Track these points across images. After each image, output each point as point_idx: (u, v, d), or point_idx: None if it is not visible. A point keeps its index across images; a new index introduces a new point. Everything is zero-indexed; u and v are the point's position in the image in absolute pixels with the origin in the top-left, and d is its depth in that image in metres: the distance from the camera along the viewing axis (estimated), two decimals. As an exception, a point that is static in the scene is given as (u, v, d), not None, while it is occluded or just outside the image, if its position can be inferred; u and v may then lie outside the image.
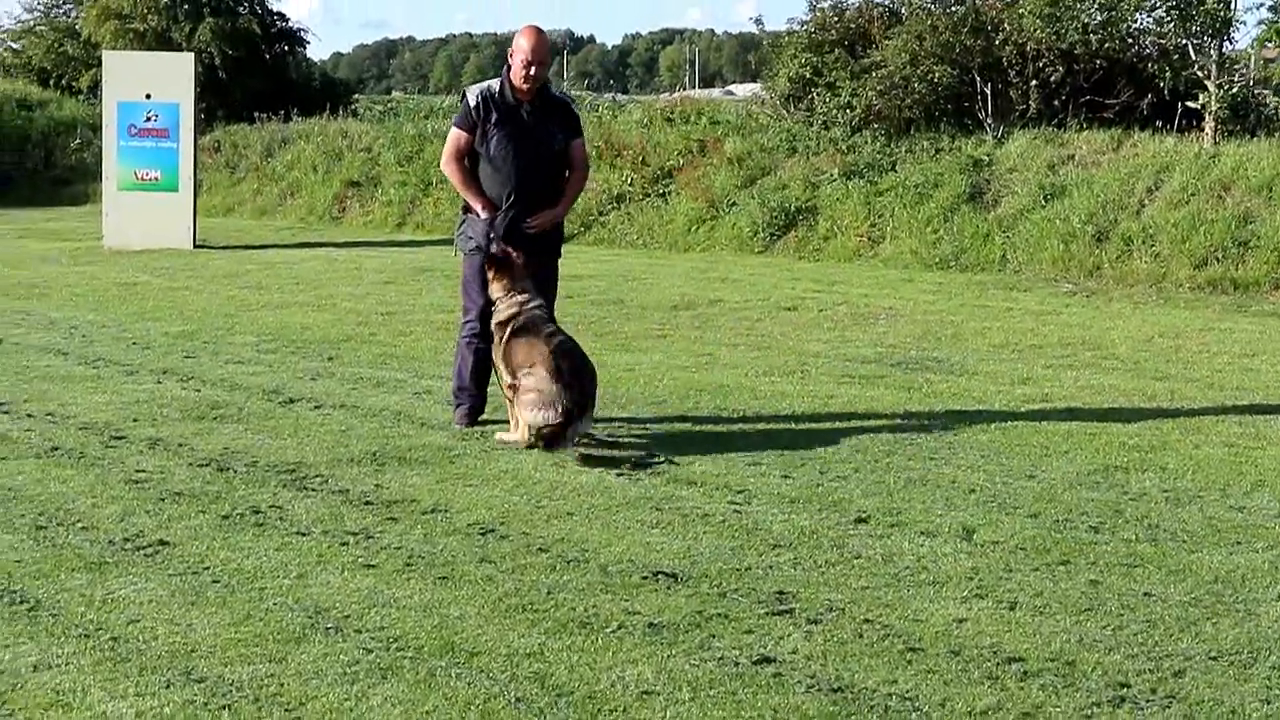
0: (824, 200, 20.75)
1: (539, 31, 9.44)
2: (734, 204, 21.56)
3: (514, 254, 9.22)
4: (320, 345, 12.83)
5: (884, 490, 7.92)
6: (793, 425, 9.60)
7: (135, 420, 9.62)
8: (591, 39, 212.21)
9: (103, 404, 10.17)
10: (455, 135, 9.49)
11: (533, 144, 9.33)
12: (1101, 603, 6.14)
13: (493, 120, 9.32)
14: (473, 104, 9.38)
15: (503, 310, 9.16)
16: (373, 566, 6.55)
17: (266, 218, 28.05)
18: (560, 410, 8.66)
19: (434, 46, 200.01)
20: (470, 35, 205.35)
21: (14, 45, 39.39)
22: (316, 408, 10.10)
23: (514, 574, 6.46)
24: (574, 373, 8.82)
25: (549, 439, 8.65)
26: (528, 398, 8.84)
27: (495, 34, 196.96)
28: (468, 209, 9.50)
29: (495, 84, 9.41)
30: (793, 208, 20.86)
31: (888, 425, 9.59)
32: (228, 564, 6.58)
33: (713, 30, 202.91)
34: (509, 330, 9.04)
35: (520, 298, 9.13)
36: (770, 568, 6.58)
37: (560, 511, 7.48)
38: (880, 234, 19.74)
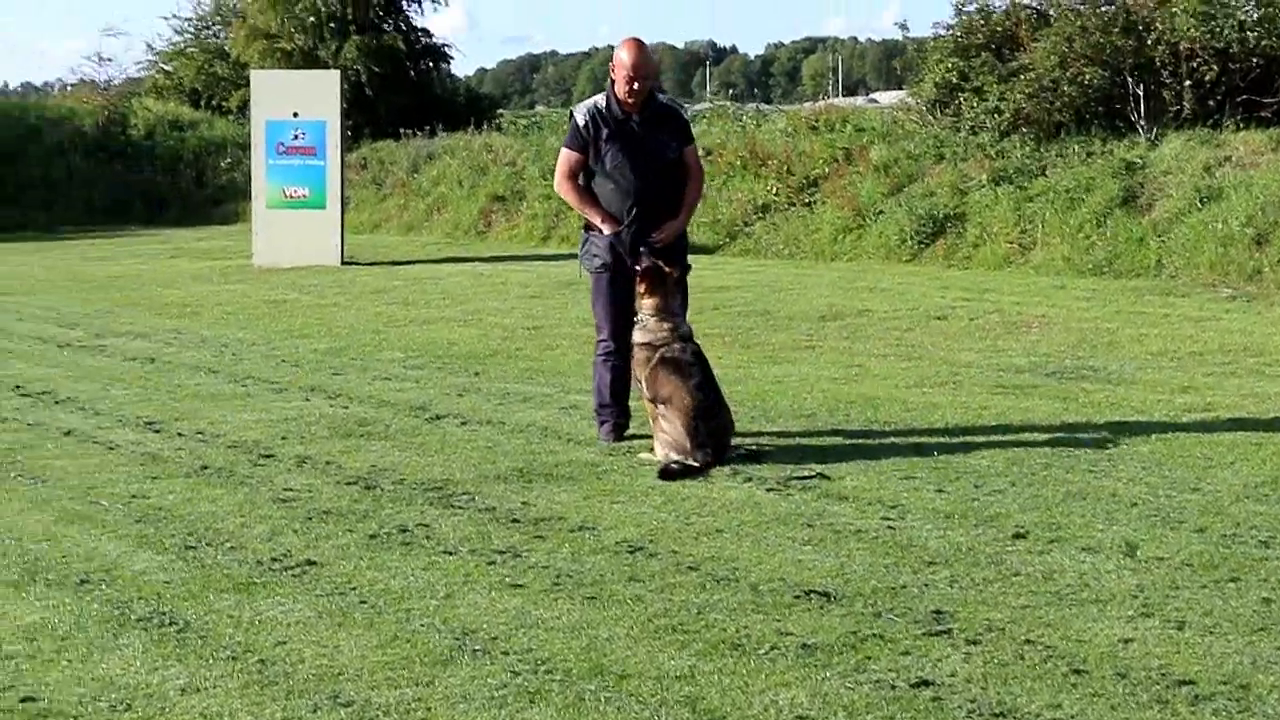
0: (972, 207, 20.43)
1: (639, 45, 9.37)
2: (880, 212, 21.31)
3: (668, 269, 9.13)
4: (466, 360, 12.83)
5: (1042, 504, 7.70)
6: (946, 438, 9.40)
7: (284, 438, 9.65)
8: (734, 49, 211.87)
9: (252, 422, 10.22)
10: (566, 155, 9.43)
11: (646, 155, 9.28)
12: (1275, 621, 5.89)
13: (604, 136, 9.26)
14: (581, 123, 9.32)
15: (652, 332, 9.06)
16: (520, 586, 6.47)
17: (413, 233, 28.25)
18: (692, 462, 8.57)
19: (577, 60, 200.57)
20: (613, 48, 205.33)
21: (166, 67, 40.11)
22: (463, 423, 10.07)
23: (663, 593, 6.35)
24: (711, 434, 8.73)
25: (677, 475, 8.52)
26: (663, 436, 8.78)
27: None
28: (589, 227, 9.44)
29: (601, 99, 9.37)
30: (941, 215, 20.56)
31: (1044, 437, 9.35)
32: (374, 584, 6.54)
33: (855, 38, 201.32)
34: (658, 357, 8.94)
35: (668, 327, 9.03)
36: (926, 586, 6.41)
37: (709, 528, 7.35)
38: (1031, 240, 19.38)
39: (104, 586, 6.56)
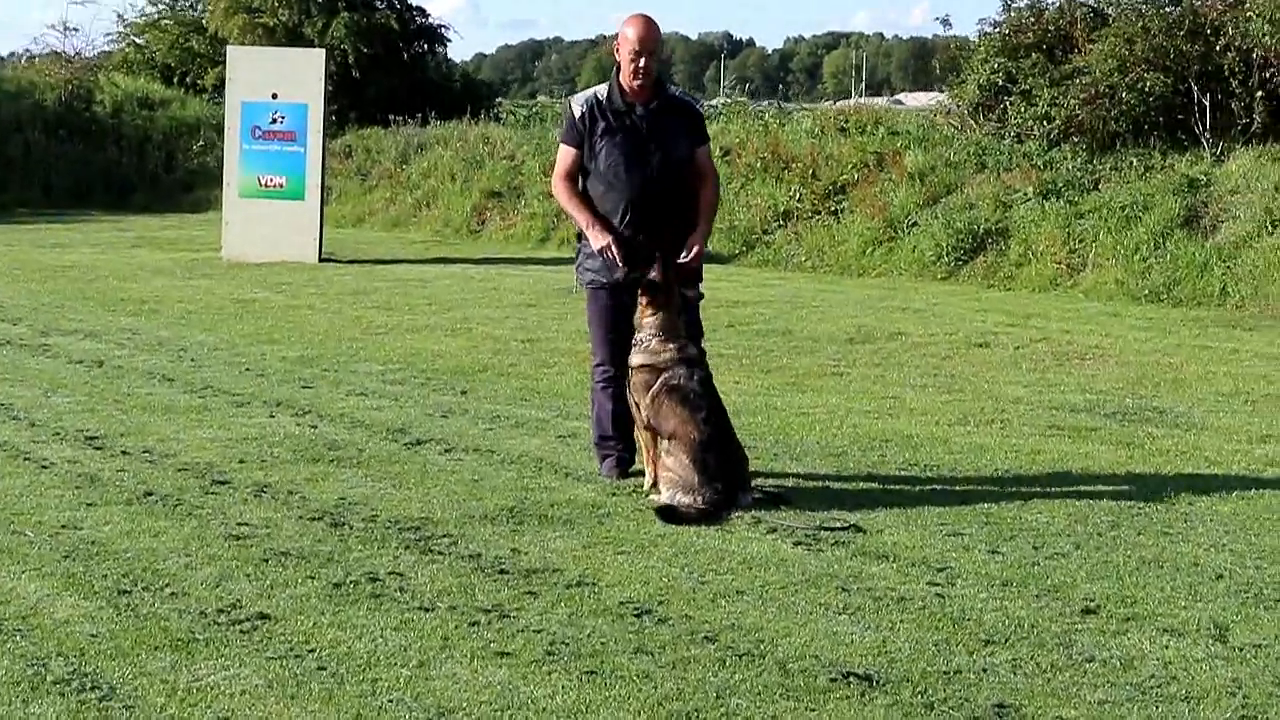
0: (1016, 222, 19.89)
1: (646, 19, 8.68)
2: (915, 224, 20.78)
3: (686, 289, 8.62)
4: (453, 376, 12.28)
5: (1112, 573, 7.15)
6: (995, 486, 8.85)
7: (242, 461, 9.10)
8: (750, 42, 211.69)
9: (207, 441, 9.67)
10: (564, 153, 8.82)
11: (649, 152, 8.63)
12: (1401, 732, 5.34)
13: (599, 130, 8.61)
14: (578, 114, 8.68)
15: (655, 354, 8.51)
16: (507, 655, 5.91)
17: (399, 229, 27.74)
18: (701, 501, 8.03)
19: (583, 48, 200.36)
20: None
21: (137, 40, 39.58)
22: (446, 451, 9.52)
23: (676, 669, 5.79)
24: (722, 468, 8.18)
25: (686, 520, 7.97)
26: (667, 475, 8.25)
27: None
28: (581, 235, 8.85)
29: (603, 89, 8.71)
30: (981, 230, 20.03)
31: (1107, 489, 8.80)
32: (336, 646, 5.98)
33: (881, 35, 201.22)
34: (662, 384, 8.38)
35: (673, 348, 8.49)
36: (984, 671, 5.85)
37: (729, 589, 6.79)
38: (1080, 261, 18.84)
39: (18, 638, 6.00)
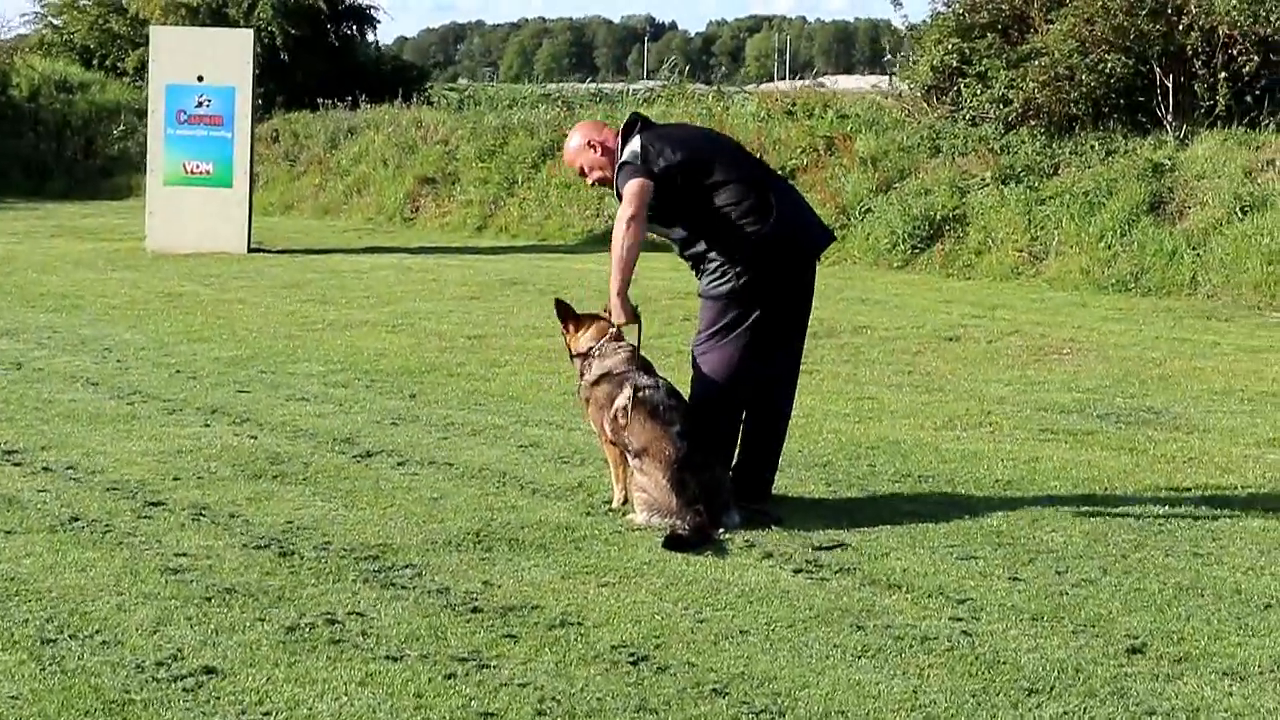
0: (975, 208, 19.25)
1: (571, 135, 8.23)
2: (869, 210, 20.11)
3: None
4: (399, 378, 11.51)
5: (1150, 603, 6.47)
6: (998, 499, 8.17)
7: (176, 479, 8.30)
8: (673, 25, 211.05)
9: (137, 454, 8.86)
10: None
11: None
12: None
13: None
14: None
15: (608, 358, 7.85)
16: (492, 716, 5.17)
17: (330, 217, 26.90)
18: (682, 526, 7.32)
19: (505, 32, 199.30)
20: (544, 20, 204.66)
21: (55, 21, 38.41)
22: (400, 464, 8.75)
23: (685, 732, 5.07)
24: (704, 489, 7.47)
25: (687, 546, 7.25)
26: (642, 496, 7.56)
27: (570, 19, 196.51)
28: None
29: None
30: (938, 216, 19.38)
31: (1121, 502, 8.14)
32: (294, 706, 5.22)
33: (804, 18, 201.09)
34: (627, 398, 7.67)
35: (625, 354, 7.82)
36: (1035, 728, 5.16)
37: (731, 629, 6.07)
38: (1043, 249, 18.21)
39: (-75, 702, 5.22)
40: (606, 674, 5.57)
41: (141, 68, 32.85)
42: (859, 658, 5.78)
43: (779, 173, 8.17)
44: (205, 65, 21.00)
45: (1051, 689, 5.49)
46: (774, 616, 6.22)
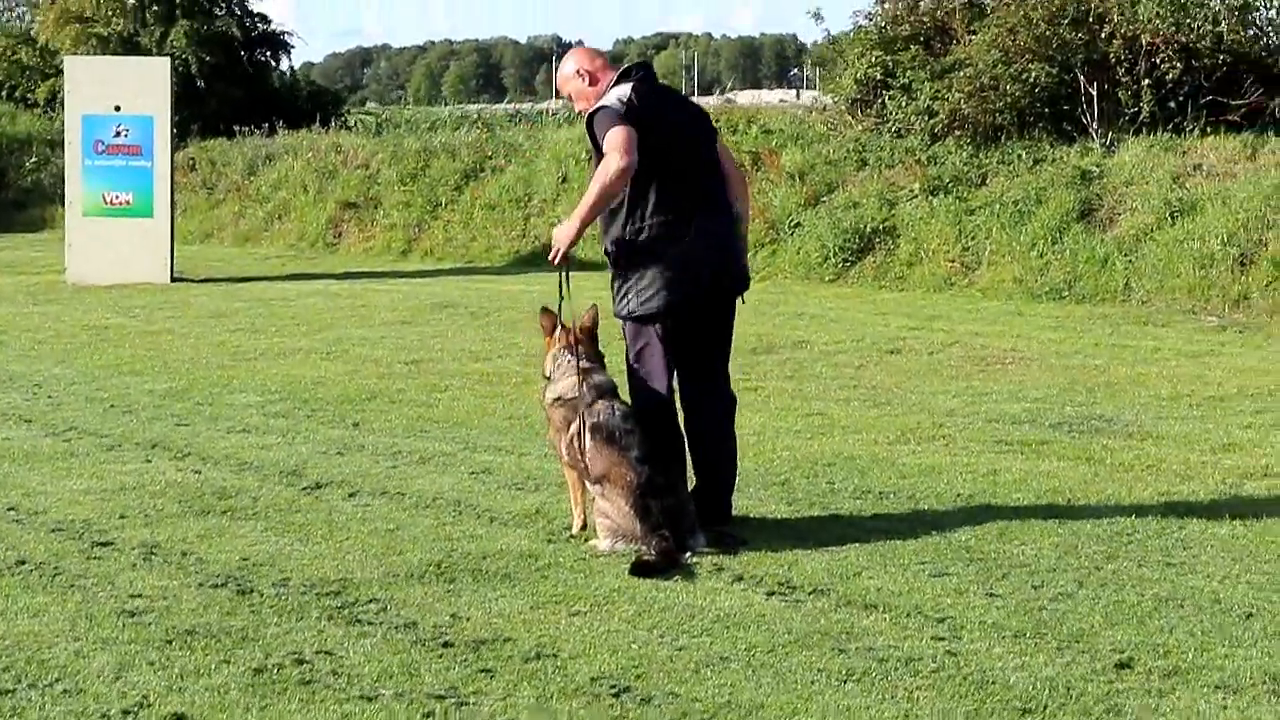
0: (904, 220, 19.22)
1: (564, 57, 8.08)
2: (798, 225, 20.04)
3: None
4: (339, 406, 11.31)
5: (1130, 615, 6.37)
6: (963, 513, 8.06)
7: (123, 517, 8.07)
8: (580, 44, 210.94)
9: (79, 493, 8.62)
10: None
11: None
12: None
13: None
14: None
15: (561, 384, 7.75)
16: (477, 756, 5.01)
17: (250, 244, 26.62)
18: (650, 552, 7.16)
19: (411, 54, 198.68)
20: (450, 42, 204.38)
21: (-39, 53, 37.86)
22: (351, 495, 8.56)
23: (678, 766, 4.92)
24: (667, 513, 7.31)
25: (654, 571, 7.08)
26: (605, 522, 7.42)
27: (477, 40, 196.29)
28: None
29: None
30: (868, 229, 19.34)
31: (1086, 513, 8.05)
32: (272, 753, 5.04)
33: (710, 34, 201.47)
34: (581, 424, 7.53)
35: (577, 375, 7.70)
36: (1034, 750, 5.04)
37: (710, 656, 5.92)
38: (974, 259, 18.20)
39: (-116, 761, 5.00)
40: (589, 707, 5.41)
41: (52, 99, 32.49)
42: (844, 682, 5.64)
43: (725, 201, 7.89)
44: (122, 94, 20.71)
45: (1045, 708, 5.38)
46: (753, 642, 6.08)
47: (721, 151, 7.92)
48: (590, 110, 7.64)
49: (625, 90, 7.59)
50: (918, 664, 5.81)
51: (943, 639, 6.09)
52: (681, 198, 7.62)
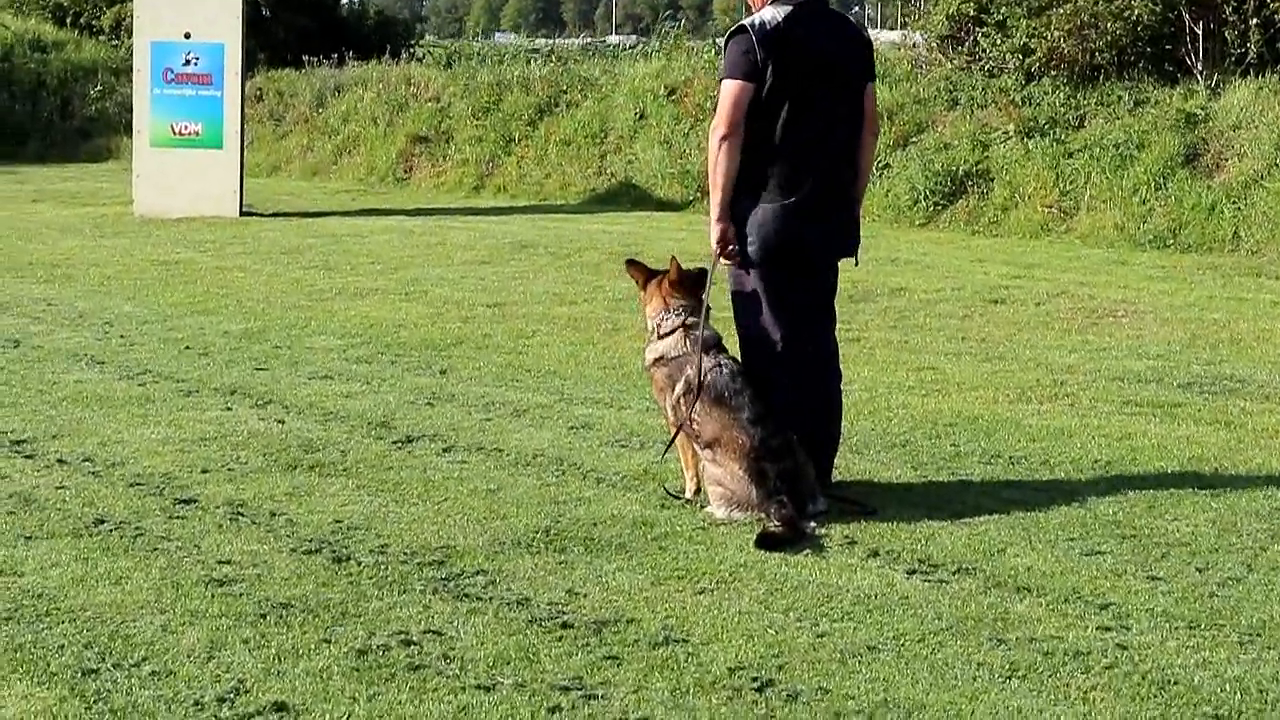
0: (998, 163, 18.55)
1: None
2: (886, 166, 19.38)
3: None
4: (424, 351, 10.81)
5: (1311, 605, 5.82)
6: (1103, 482, 7.49)
7: (205, 471, 7.59)
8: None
9: (157, 443, 8.15)
10: None
11: None
12: None
13: None
14: None
15: (662, 343, 7.24)
16: (614, 761, 4.51)
17: (319, 178, 26.12)
18: (765, 517, 6.68)
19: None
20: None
21: (26, -21, 37.48)
22: (445, 450, 8.05)
23: (840, 778, 4.40)
24: (784, 478, 6.79)
25: (780, 544, 6.55)
26: (716, 489, 6.90)
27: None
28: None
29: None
30: (960, 171, 18.68)
31: (1237, 483, 7.47)
32: (385, 753, 4.55)
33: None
34: (686, 385, 7.02)
35: (679, 335, 7.19)
36: (1237, 767, 4.51)
37: (857, 644, 5.39)
38: (1073, 204, 17.53)
39: (-42, 753, 4.54)
40: (730, 703, 4.90)
41: (117, 25, 32.06)
42: (1009, 678, 5.11)
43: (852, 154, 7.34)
44: (192, 21, 20.22)
45: (1240, 714, 4.84)
46: (900, 629, 5.55)
47: (867, 96, 7.33)
48: (734, 28, 7.10)
49: (778, 13, 7.03)
50: (1087, 658, 5.27)
51: (1110, 629, 5.55)
52: (805, 149, 7.08)
